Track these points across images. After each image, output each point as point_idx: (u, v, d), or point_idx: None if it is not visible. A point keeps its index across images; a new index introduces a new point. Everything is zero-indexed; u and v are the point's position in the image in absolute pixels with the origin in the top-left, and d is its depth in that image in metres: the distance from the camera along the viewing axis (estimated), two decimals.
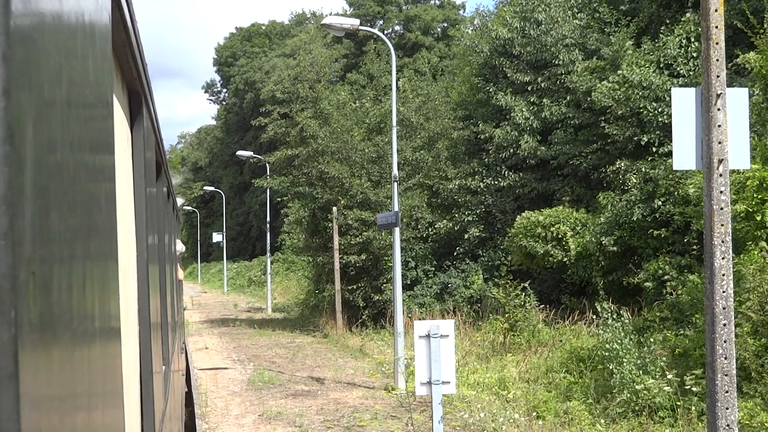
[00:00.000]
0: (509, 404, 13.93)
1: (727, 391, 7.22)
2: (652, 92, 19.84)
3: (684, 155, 7.49)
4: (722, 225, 7.25)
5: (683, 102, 7.47)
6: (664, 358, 12.89)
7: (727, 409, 7.21)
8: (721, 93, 7.29)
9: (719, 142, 7.29)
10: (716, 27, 7.27)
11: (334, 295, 26.61)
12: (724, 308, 7.22)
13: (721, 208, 7.27)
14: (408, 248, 25.95)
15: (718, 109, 7.29)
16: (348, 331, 25.64)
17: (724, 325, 7.22)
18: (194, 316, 36.17)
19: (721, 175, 7.28)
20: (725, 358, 7.22)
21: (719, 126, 7.29)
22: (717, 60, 7.29)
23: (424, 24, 64.18)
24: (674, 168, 7.74)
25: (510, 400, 14.24)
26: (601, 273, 19.67)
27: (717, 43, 7.27)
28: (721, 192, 7.27)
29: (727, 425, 7.21)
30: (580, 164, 22.66)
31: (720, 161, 7.29)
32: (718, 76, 7.30)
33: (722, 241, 7.25)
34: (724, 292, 7.22)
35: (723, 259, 7.23)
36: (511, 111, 24.50)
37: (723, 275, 7.23)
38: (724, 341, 7.21)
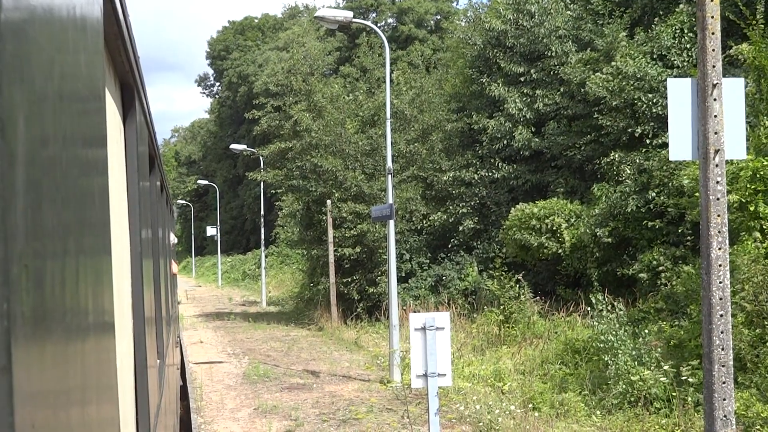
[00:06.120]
0: (505, 396, 13.95)
1: (724, 382, 7.22)
2: (646, 83, 19.83)
3: (680, 146, 7.47)
4: (718, 215, 7.25)
5: (679, 92, 7.45)
6: (659, 349, 12.92)
7: (724, 399, 7.22)
8: (717, 83, 7.27)
9: (715, 133, 7.27)
10: (712, 17, 7.25)
11: (328, 288, 26.59)
12: (720, 299, 7.21)
13: (718, 199, 7.26)
14: (402, 241, 25.95)
15: (714, 100, 7.28)
16: (343, 324, 25.64)
17: (721, 315, 7.21)
18: (189, 310, 36.15)
19: (717, 166, 7.27)
20: (722, 349, 7.22)
21: (715, 116, 7.28)
22: (713, 50, 7.27)
23: (418, 16, 64.05)
24: (670, 159, 7.71)
25: (506, 392, 14.26)
26: (596, 264, 19.68)
27: (713, 33, 7.25)
28: (717, 182, 7.26)
29: (724, 416, 7.22)
30: (574, 156, 22.64)
31: (716, 151, 7.28)
32: (713, 66, 7.28)
33: (719, 232, 7.24)
34: (720, 282, 7.21)
35: (720, 249, 7.23)
36: (505, 102, 24.45)
37: (720, 266, 7.22)
38: (721, 332, 7.21)
